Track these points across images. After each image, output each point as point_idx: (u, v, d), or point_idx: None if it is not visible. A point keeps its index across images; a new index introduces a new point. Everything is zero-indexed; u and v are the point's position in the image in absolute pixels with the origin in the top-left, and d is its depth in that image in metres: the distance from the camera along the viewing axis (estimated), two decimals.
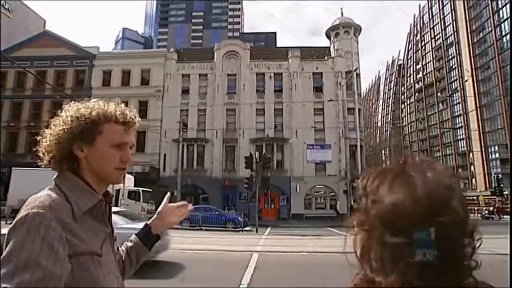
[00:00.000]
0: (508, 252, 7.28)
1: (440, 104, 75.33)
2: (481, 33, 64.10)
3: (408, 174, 0.61)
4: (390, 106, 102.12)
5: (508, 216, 28.78)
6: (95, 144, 1.05)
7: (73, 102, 1.12)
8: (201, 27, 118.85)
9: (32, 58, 33.08)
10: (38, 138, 1.09)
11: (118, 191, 20.60)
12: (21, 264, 0.80)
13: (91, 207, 1.01)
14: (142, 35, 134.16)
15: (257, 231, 18.54)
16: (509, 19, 55.23)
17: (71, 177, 1.04)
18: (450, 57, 72.73)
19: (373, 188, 0.63)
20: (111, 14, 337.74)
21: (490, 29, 60.74)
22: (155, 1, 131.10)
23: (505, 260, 6.46)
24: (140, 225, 1.41)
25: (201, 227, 19.67)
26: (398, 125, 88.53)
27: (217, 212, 21.91)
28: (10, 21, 40.45)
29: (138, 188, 22.10)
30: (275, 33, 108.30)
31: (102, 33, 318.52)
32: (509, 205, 31.78)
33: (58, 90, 30.15)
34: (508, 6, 56.15)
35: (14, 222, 0.89)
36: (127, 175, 21.93)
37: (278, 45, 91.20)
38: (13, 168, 21.08)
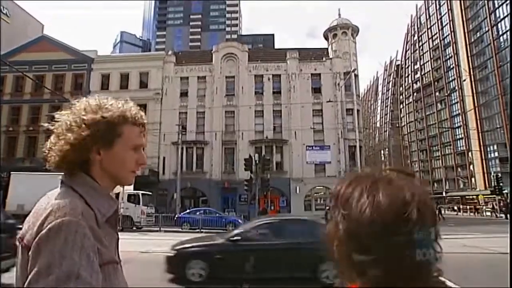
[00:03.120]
0: (508, 252, 7.28)
1: (439, 104, 75.49)
2: (478, 33, 64.31)
3: (375, 187, 0.61)
4: (388, 106, 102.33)
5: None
6: (114, 147, 1.00)
7: (85, 98, 1.05)
8: (199, 29, 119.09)
9: (30, 62, 33.12)
10: (50, 139, 1.00)
11: (117, 194, 20.55)
12: (63, 277, 0.75)
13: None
14: (140, 38, 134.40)
15: None
16: (506, 18, 55.45)
17: (87, 180, 0.97)
18: (448, 57, 72.95)
19: (343, 200, 0.63)
20: (109, 17, 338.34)
21: (487, 28, 60.96)
22: (153, 4, 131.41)
23: None
24: None
25: (201, 230, 19.63)
26: (397, 125, 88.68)
27: (217, 215, 21.88)
28: (8, 26, 40.45)
29: (138, 191, 22.02)
30: (273, 35, 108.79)
31: (100, 36, 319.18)
32: (509, 204, 31.79)
33: (57, 94, 30.13)
34: (505, 5, 56.43)
35: (46, 229, 0.81)
36: None
37: (276, 46, 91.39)
38: (12, 173, 21.02)
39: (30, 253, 0.81)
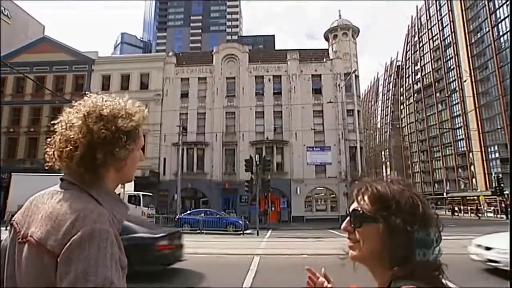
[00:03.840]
0: (508, 251, 7.25)
1: (439, 105, 75.42)
2: (478, 34, 64.29)
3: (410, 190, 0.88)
4: (389, 107, 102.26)
5: None
6: (135, 149, 1.01)
7: (96, 94, 1.03)
8: (200, 30, 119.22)
9: (31, 63, 33.18)
10: (67, 143, 0.94)
11: (118, 195, 20.55)
12: (100, 284, 0.77)
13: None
14: (141, 39, 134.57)
15: (258, 234, 18.49)
16: (507, 19, 55.43)
17: (101, 184, 0.96)
18: (448, 57, 72.91)
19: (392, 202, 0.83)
20: (110, 19, 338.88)
21: (487, 29, 60.93)
22: (153, 6, 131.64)
23: None
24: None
25: (202, 231, 19.62)
26: (398, 126, 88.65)
27: (218, 216, 21.86)
28: (9, 27, 40.58)
29: (138, 193, 22.05)
30: (273, 35, 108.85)
31: (101, 38, 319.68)
32: (509, 205, 31.72)
33: (58, 95, 30.18)
34: (505, 6, 56.41)
35: (79, 235, 0.81)
36: None
37: (277, 47, 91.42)
38: (12, 174, 21.04)
39: (59, 259, 0.80)
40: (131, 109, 1.01)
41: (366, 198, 0.85)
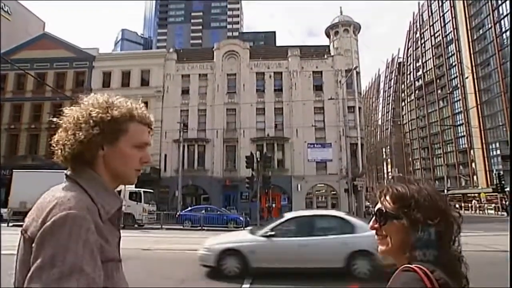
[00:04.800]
0: (508, 250, 7.26)
1: (441, 102, 75.23)
2: (480, 30, 63.96)
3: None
4: (390, 104, 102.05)
5: None
6: (118, 143, 1.00)
7: (93, 94, 1.07)
8: (201, 27, 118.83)
9: (32, 60, 33.11)
10: (57, 133, 1.02)
11: (119, 192, 20.48)
12: (67, 271, 0.75)
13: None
14: (142, 36, 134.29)
15: None
16: (508, 16, 55.05)
17: (93, 175, 0.98)
18: (450, 54, 72.60)
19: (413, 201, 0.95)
20: (111, 15, 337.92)
21: (490, 25, 60.60)
22: (154, 2, 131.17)
23: None
24: None
25: (203, 227, 19.68)
26: (399, 123, 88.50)
27: (218, 212, 21.92)
28: (9, 24, 40.50)
29: (139, 189, 22.05)
30: (274, 32, 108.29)
31: (101, 34, 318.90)
32: (509, 203, 31.72)
33: (58, 92, 30.18)
34: (507, 2, 56.03)
35: (51, 222, 0.81)
36: None
37: (278, 44, 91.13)
38: (14, 170, 21.10)
39: (33, 244, 0.81)
40: (116, 104, 1.03)
41: (388, 198, 0.97)
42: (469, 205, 44.60)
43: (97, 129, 0.96)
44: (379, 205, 0.98)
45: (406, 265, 0.87)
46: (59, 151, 0.98)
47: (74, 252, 0.77)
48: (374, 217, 0.99)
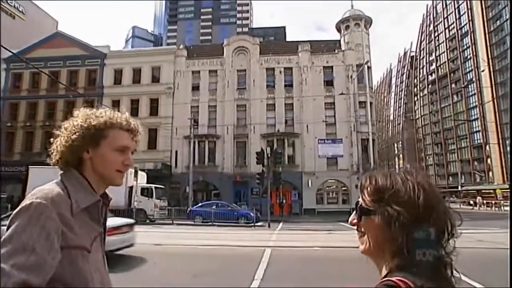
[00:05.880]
0: (508, 247, 7.10)
1: (455, 96, 73.60)
2: (498, 21, 62.11)
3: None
4: (402, 99, 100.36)
5: None
6: (100, 147, 1.14)
7: (82, 108, 1.22)
8: (210, 23, 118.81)
9: (45, 58, 33.75)
10: (51, 139, 1.19)
11: (131, 188, 20.92)
12: (19, 247, 0.88)
13: (88, 205, 1.09)
14: (152, 33, 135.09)
15: (269, 226, 18.59)
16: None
17: (76, 175, 1.13)
18: (465, 47, 70.80)
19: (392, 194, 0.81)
20: (121, 13, 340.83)
21: (507, 16, 58.75)
22: None
23: None
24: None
25: (214, 223, 19.84)
26: (411, 118, 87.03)
27: (229, 208, 22.04)
28: (24, 23, 41.34)
29: (151, 185, 22.35)
30: (284, 27, 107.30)
31: (112, 32, 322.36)
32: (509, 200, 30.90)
33: (71, 90, 30.72)
34: None
35: (19, 208, 0.97)
36: (139, 172, 21.82)
37: (288, 39, 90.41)
38: (30, 166, 21.62)
39: None
40: (96, 114, 1.18)
41: (365, 190, 0.85)
42: (484, 201, 43.63)
43: (76, 135, 1.12)
44: (359, 198, 0.86)
45: (386, 278, 0.74)
46: (53, 156, 1.16)
47: (29, 234, 0.91)
48: (354, 211, 0.87)
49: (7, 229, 0.93)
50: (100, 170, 1.14)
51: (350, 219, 0.88)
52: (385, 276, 0.76)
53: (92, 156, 1.14)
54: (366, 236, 0.83)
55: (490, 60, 61.11)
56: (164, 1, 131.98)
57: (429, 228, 0.74)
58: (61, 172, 1.15)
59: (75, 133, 1.13)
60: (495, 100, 57.01)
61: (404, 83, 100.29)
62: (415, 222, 0.74)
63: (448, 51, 76.55)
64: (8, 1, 40.80)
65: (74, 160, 1.14)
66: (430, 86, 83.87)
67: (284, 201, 29.57)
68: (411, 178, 0.80)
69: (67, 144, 1.13)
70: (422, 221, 0.74)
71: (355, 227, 0.87)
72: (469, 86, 67.23)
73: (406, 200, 0.77)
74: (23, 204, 0.97)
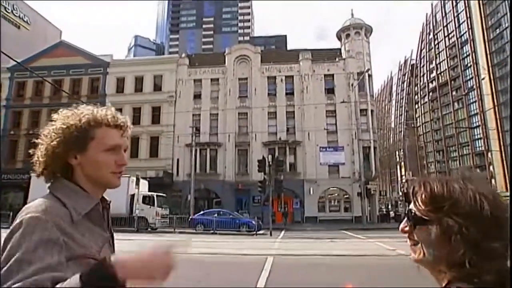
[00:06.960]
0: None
1: (456, 103, 73.69)
2: (497, 29, 62.50)
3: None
4: (403, 106, 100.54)
5: None
6: (88, 150, 1.03)
7: (60, 110, 1.12)
8: (212, 32, 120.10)
9: (49, 67, 34.07)
10: (31, 150, 1.09)
11: (132, 196, 20.89)
12: (15, 269, 0.82)
13: (89, 211, 1.01)
14: (154, 42, 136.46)
15: (271, 235, 18.47)
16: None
17: (65, 183, 1.03)
18: (465, 55, 71.16)
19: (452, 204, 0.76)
20: (124, 22, 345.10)
21: (507, 24, 59.15)
22: (166, 8, 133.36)
23: None
24: None
25: (215, 231, 19.73)
26: (412, 125, 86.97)
27: (231, 216, 21.93)
28: (29, 33, 41.90)
29: (152, 193, 22.31)
30: (285, 36, 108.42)
31: (115, 41, 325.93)
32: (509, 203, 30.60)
33: (74, 98, 30.91)
34: None
35: (10, 229, 0.90)
36: (141, 180, 21.77)
37: (289, 48, 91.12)
38: (32, 175, 21.64)
39: None
40: (75, 114, 1.08)
41: (419, 198, 0.80)
42: None
43: (61, 139, 1.02)
44: (411, 205, 0.81)
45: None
46: (36, 167, 1.06)
47: (25, 249, 0.84)
48: (406, 218, 0.83)
49: (1, 252, 0.87)
50: (93, 174, 1.04)
51: (401, 227, 0.84)
52: (446, 284, 0.75)
53: (81, 161, 1.03)
54: (420, 245, 0.79)
55: (490, 68, 61.34)
56: (166, 11, 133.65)
57: (493, 241, 0.70)
58: (49, 184, 1.04)
59: (56, 138, 1.02)
60: (496, 108, 57.01)
61: (405, 90, 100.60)
62: (478, 235, 0.70)
63: (448, 59, 76.94)
64: (13, 11, 41.43)
65: (61, 168, 1.03)
66: (431, 93, 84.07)
67: (286, 209, 29.45)
68: (471, 186, 0.75)
69: (49, 152, 1.02)
70: (485, 234, 0.70)
71: (406, 235, 0.83)
72: (470, 93, 67.36)
73: (468, 211, 0.72)
74: (13, 224, 0.90)
